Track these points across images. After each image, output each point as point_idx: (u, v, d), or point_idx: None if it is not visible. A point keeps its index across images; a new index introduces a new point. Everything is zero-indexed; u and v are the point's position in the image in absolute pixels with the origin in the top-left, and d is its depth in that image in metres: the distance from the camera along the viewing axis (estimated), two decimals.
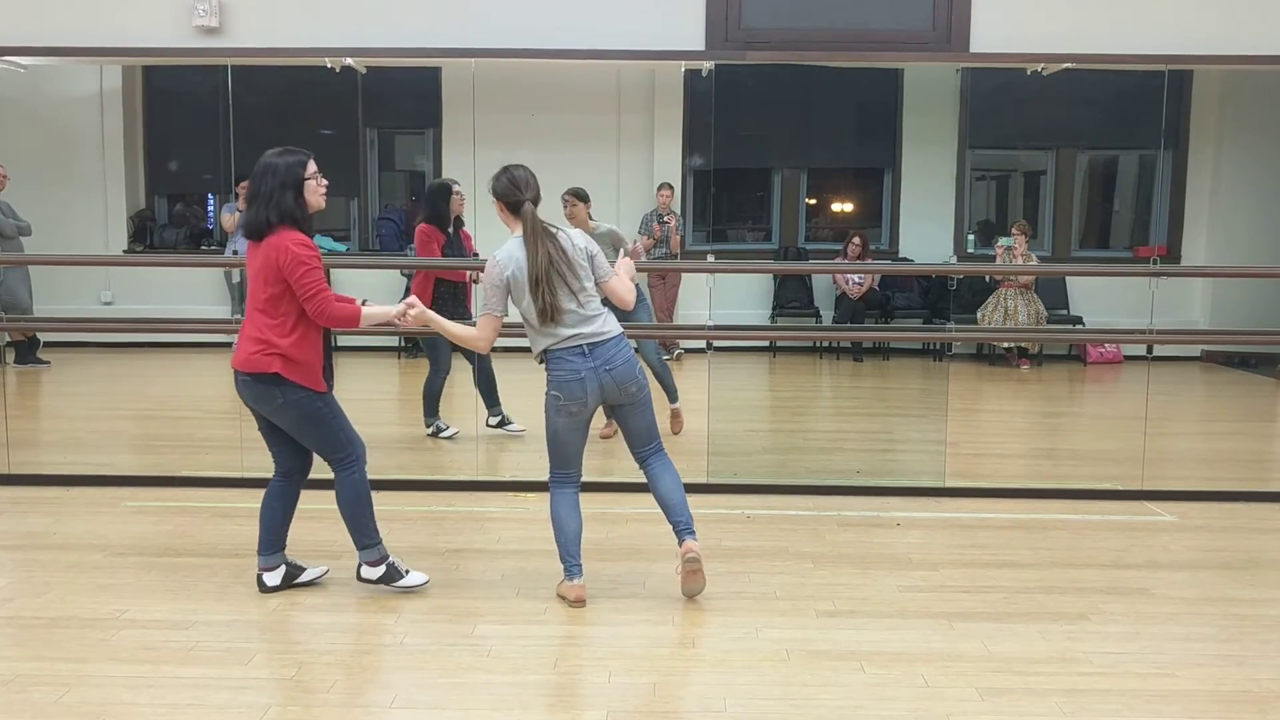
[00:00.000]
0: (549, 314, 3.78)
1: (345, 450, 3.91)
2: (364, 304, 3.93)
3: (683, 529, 3.94)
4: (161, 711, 3.10)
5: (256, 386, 3.78)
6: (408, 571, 4.05)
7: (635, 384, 3.90)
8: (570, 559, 3.94)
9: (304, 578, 4.08)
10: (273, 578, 4.01)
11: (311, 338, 3.82)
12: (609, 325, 3.89)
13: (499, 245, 3.91)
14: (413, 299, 4.05)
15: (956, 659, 3.51)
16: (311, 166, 3.83)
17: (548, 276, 3.77)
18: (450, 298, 6.22)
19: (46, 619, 3.78)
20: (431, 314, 4.04)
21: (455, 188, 6.42)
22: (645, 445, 4.00)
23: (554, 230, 3.87)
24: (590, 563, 4.07)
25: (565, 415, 3.86)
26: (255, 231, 3.77)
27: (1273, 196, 9.95)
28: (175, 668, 3.38)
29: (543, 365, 3.93)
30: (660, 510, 4.01)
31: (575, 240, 3.90)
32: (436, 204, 6.36)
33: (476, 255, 6.60)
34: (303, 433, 3.88)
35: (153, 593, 4.02)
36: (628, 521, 4.82)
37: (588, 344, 3.83)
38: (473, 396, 6.58)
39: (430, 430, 6.53)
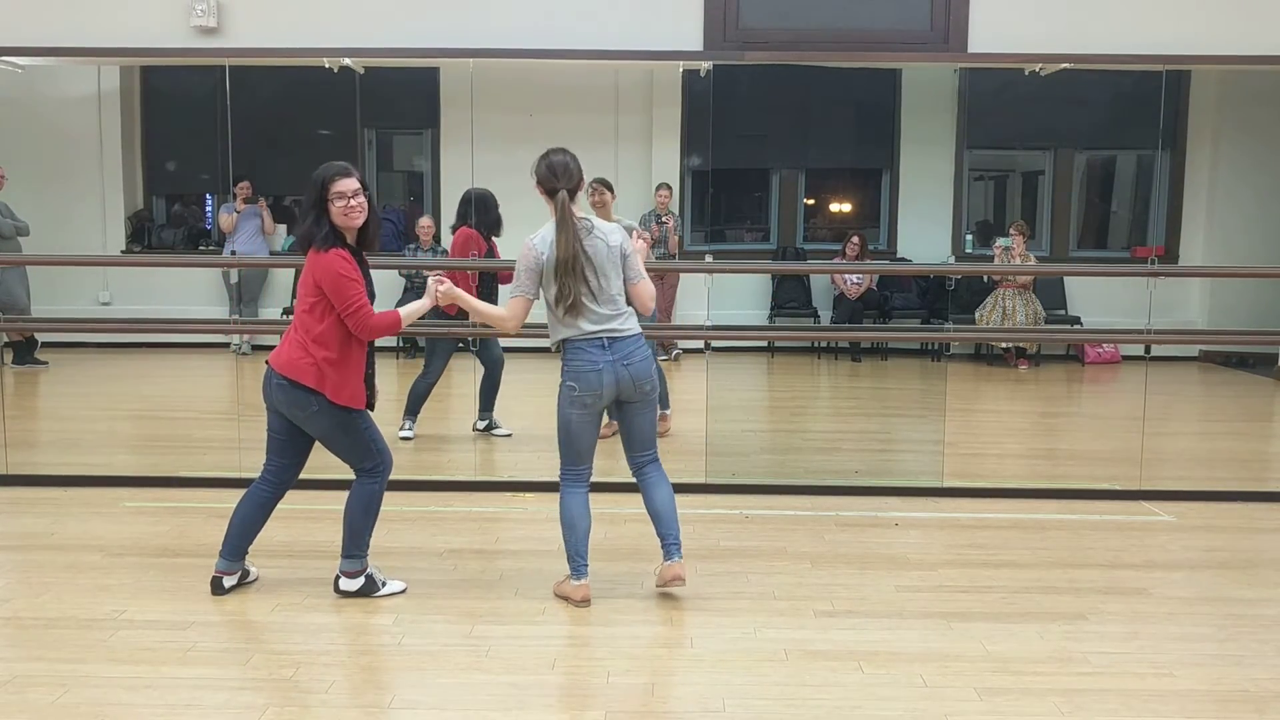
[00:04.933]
0: (569, 307, 3.78)
1: (374, 460, 3.91)
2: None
3: (671, 544, 3.95)
4: (159, 712, 3.10)
5: (293, 391, 3.75)
6: (385, 582, 4.03)
7: (649, 382, 3.91)
8: (579, 559, 3.93)
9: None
10: (231, 581, 4.00)
11: (352, 357, 3.81)
12: (630, 324, 3.89)
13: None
14: (439, 275, 4.03)
15: (955, 659, 3.51)
16: (338, 185, 3.76)
17: (571, 270, 3.75)
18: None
19: (44, 619, 3.77)
20: (459, 291, 4.02)
21: None
22: (644, 451, 4.00)
23: (589, 225, 3.84)
24: (589, 562, 4.06)
25: (579, 407, 3.85)
26: (300, 245, 3.80)
27: (1270, 196, 9.97)
28: (173, 668, 3.38)
29: (558, 354, 3.91)
30: (651, 519, 3.99)
31: (610, 238, 3.87)
32: (494, 213, 6.35)
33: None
34: (334, 440, 3.87)
35: (151, 593, 4.02)
36: (627, 521, 4.82)
37: (608, 338, 3.83)
38: (471, 398, 6.59)
39: (403, 430, 6.44)
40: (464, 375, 6.69)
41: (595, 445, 3.98)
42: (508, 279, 6.32)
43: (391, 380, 6.60)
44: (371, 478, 3.93)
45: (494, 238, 6.44)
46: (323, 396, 3.75)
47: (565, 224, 3.79)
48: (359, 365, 3.86)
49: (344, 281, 3.72)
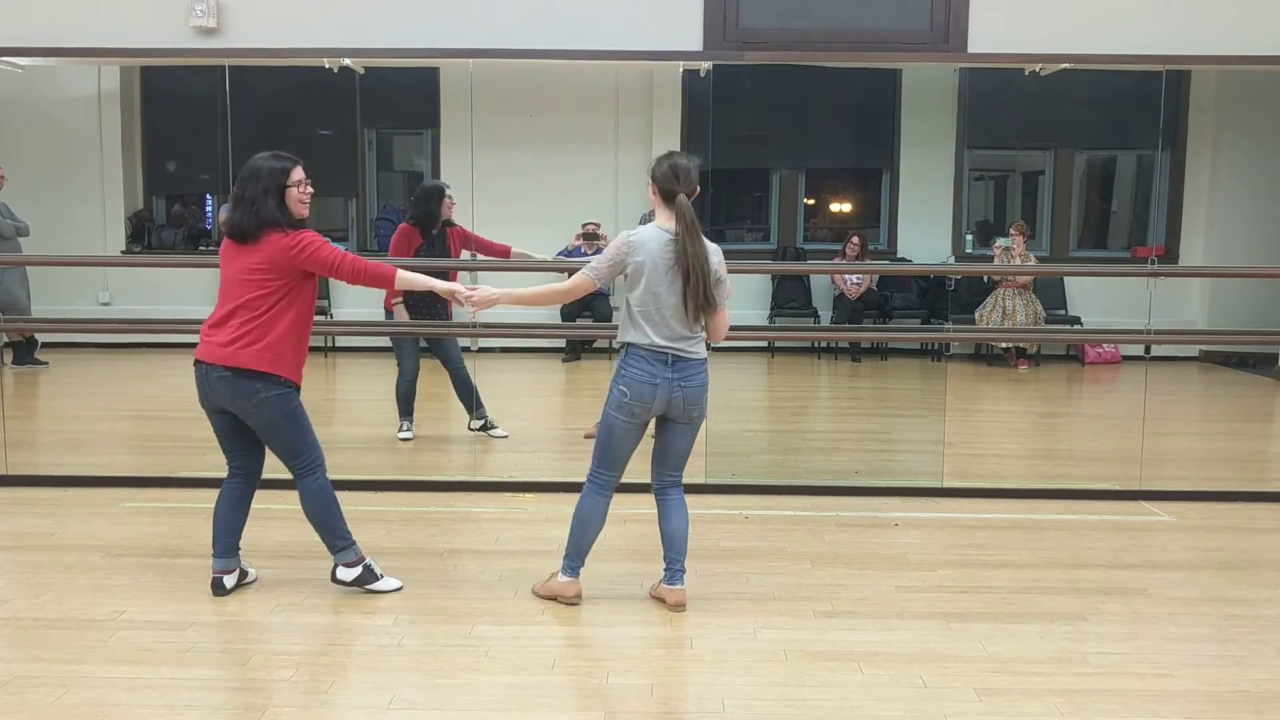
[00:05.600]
0: (697, 312, 3.73)
1: (309, 455, 3.90)
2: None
3: (677, 570, 3.93)
4: (159, 712, 3.10)
5: (238, 381, 3.74)
6: (382, 576, 4.04)
7: (699, 408, 3.86)
8: (578, 558, 3.93)
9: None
10: (231, 580, 4.01)
11: (303, 332, 3.86)
12: (699, 348, 3.84)
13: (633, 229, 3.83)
14: (471, 286, 3.99)
15: (954, 659, 3.51)
16: (296, 174, 3.81)
17: (700, 274, 3.69)
18: (425, 298, 6.05)
19: (44, 620, 3.77)
20: (498, 291, 3.94)
21: (448, 191, 6.37)
22: (673, 471, 3.95)
23: (701, 237, 3.77)
24: (589, 562, 4.06)
25: (626, 414, 3.80)
26: (240, 235, 3.78)
27: (1270, 197, 9.97)
28: (173, 669, 3.38)
29: (619, 351, 3.86)
30: (661, 540, 3.96)
31: (712, 256, 3.82)
32: (426, 205, 6.30)
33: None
34: (275, 432, 3.85)
35: (150, 593, 4.02)
36: (626, 521, 4.82)
37: (674, 355, 3.77)
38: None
39: (402, 432, 6.45)
40: (443, 374, 6.66)
41: (631, 455, 3.91)
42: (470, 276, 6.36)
43: (390, 381, 6.59)
44: (311, 474, 3.91)
45: (441, 231, 6.33)
46: (269, 382, 3.74)
47: (694, 231, 3.71)
48: (306, 341, 3.90)
49: (324, 246, 3.79)
